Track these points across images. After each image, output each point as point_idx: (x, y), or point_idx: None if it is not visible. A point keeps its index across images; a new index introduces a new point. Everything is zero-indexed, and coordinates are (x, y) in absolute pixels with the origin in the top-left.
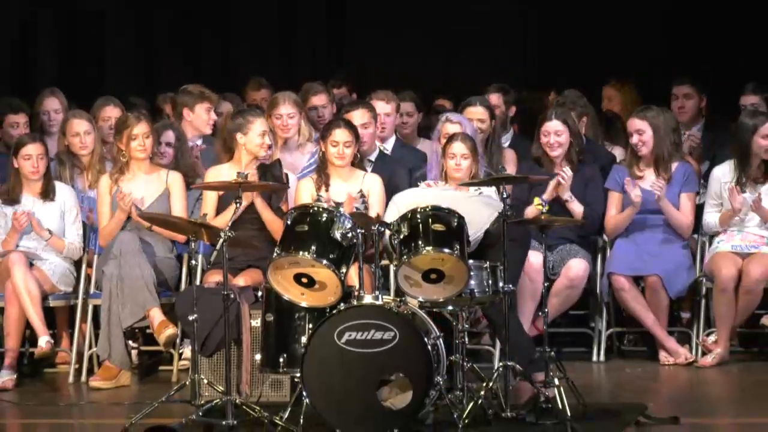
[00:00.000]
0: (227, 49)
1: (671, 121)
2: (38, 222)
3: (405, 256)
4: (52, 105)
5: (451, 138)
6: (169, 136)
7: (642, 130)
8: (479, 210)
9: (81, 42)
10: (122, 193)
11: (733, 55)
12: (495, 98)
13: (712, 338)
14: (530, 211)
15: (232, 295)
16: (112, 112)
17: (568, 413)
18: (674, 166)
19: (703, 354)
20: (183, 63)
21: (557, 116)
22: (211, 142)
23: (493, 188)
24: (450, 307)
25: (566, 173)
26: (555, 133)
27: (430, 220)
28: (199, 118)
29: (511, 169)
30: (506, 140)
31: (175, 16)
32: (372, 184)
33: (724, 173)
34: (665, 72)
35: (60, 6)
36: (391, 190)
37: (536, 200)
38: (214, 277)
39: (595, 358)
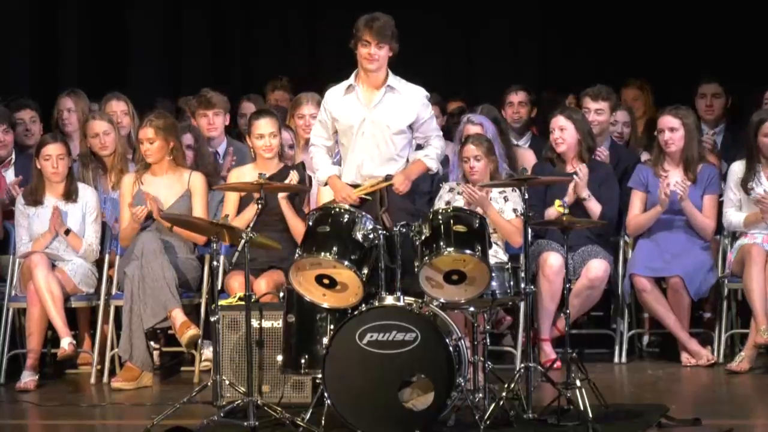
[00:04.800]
0: (253, 49)
1: (697, 120)
2: (61, 219)
3: (426, 257)
4: (65, 104)
5: (465, 141)
6: (187, 138)
7: (675, 128)
8: None
9: (105, 41)
10: (134, 208)
11: (756, 54)
12: (521, 96)
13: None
14: (551, 213)
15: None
16: (117, 107)
17: (590, 414)
18: (699, 167)
19: (726, 357)
20: (208, 63)
21: (562, 112)
22: (232, 144)
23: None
24: (471, 309)
25: (581, 171)
26: (559, 128)
27: (451, 221)
28: (200, 126)
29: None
30: (526, 141)
31: (202, 16)
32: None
33: (741, 169)
34: (682, 72)
35: (84, 5)
36: (411, 191)
37: (557, 202)
38: (236, 279)
39: (616, 359)
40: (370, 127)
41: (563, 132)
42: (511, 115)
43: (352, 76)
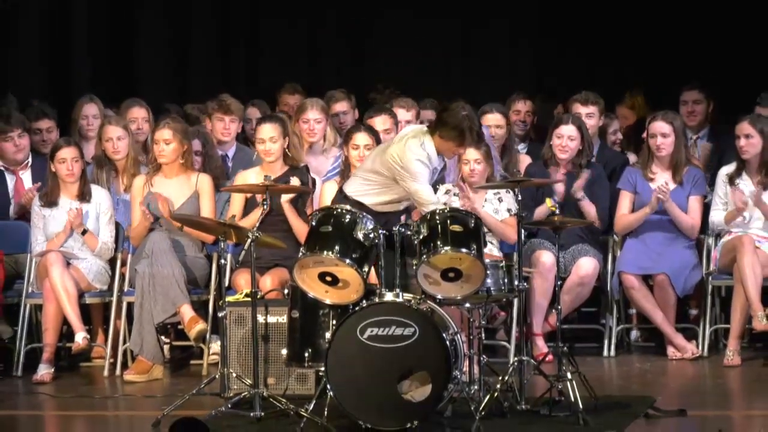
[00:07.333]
0: (256, 58)
1: (683, 124)
2: (81, 219)
3: (424, 256)
4: (91, 111)
5: None
6: (195, 144)
7: (666, 134)
8: None
9: (113, 49)
10: (145, 209)
11: (743, 60)
12: (529, 105)
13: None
14: (541, 211)
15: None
16: (138, 113)
17: (580, 405)
18: (685, 169)
19: (710, 350)
20: (215, 71)
21: (573, 121)
22: (241, 149)
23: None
24: (467, 305)
25: (583, 175)
26: (568, 137)
27: (448, 221)
28: (214, 130)
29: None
30: (524, 147)
31: (210, 23)
32: None
33: (729, 171)
34: (671, 78)
35: (94, 12)
36: None
37: (548, 201)
38: (243, 276)
39: (605, 353)
40: None
41: (572, 141)
42: (516, 122)
43: (434, 153)
